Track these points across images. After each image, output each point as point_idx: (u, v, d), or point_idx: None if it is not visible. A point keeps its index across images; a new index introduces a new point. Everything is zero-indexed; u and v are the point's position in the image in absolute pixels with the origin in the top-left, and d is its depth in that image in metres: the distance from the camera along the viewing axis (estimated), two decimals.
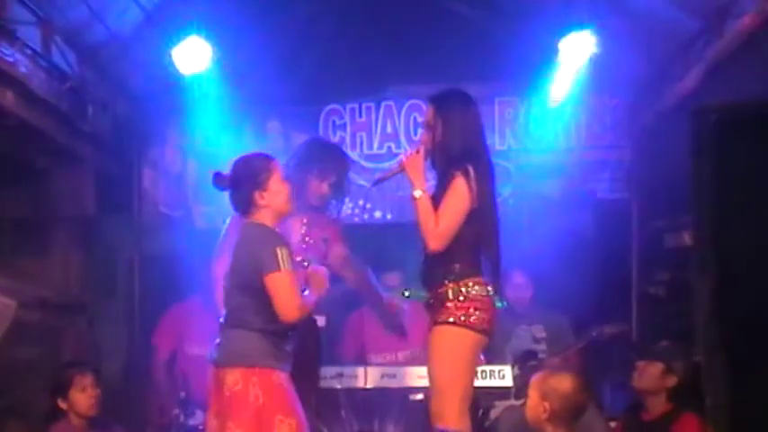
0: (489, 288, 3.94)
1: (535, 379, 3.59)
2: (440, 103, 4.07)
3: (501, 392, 5.37)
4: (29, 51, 5.07)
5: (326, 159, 4.76)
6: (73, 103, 5.68)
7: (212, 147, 6.61)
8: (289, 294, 3.77)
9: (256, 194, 3.90)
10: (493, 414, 5.45)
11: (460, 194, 3.88)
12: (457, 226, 3.89)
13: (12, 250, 5.90)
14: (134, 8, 5.70)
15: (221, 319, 3.97)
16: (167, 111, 6.63)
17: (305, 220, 4.70)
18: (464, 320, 3.85)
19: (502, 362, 5.54)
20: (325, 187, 4.68)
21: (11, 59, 4.89)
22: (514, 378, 5.35)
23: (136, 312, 6.57)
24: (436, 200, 3.98)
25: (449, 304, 3.87)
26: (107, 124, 6.23)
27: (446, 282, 3.90)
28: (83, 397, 4.88)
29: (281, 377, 3.83)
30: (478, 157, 3.98)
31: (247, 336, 3.83)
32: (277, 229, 3.95)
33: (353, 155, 6.72)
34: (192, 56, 5.95)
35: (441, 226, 3.88)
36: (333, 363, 5.38)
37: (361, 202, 6.66)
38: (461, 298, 3.87)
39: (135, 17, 5.79)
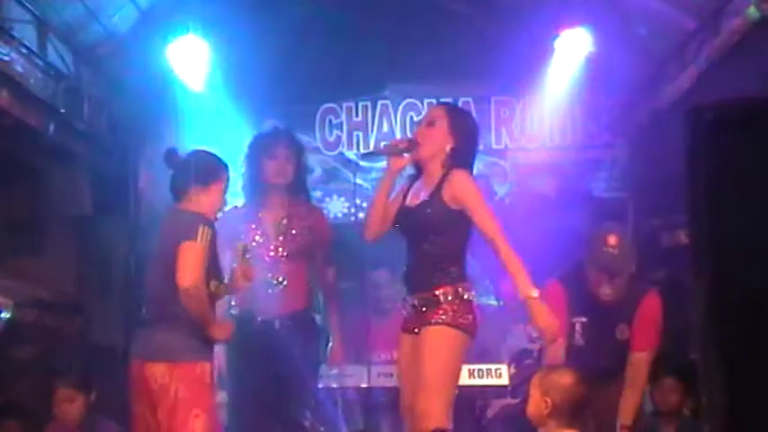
0: (474, 293, 3.98)
1: (536, 377, 3.61)
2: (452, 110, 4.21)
3: (497, 391, 5.38)
4: (24, 50, 5.07)
5: (272, 139, 4.77)
6: (69, 102, 5.67)
7: (209, 146, 6.60)
8: (192, 264, 3.72)
9: (194, 187, 3.95)
10: (489, 413, 5.46)
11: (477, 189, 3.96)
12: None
13: (7, 250, 5.89)
14: (130, 7, 5.70)
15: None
16: (164, 110, 6.62)
17: (283, 211, 4.69)
18: (461, 322, 3.87)
19: (498, 360, 5.55)
20: (281, 164, 4.68)
21: (6, 58, 4.89)
22: (510, 377, 5.36)
23: (132, 312, 6.56)
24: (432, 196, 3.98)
25: (446, 306, 3.87)
26: (103, 123, 6.22)
27: (443, 283, 3.90)
28: (71, 407, 4.88)
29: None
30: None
31: (172, 328, 3.82)
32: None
33: (350, 154, 6.73)
34: (189, 54, 5.95)
35: (493, 227, 3.86)
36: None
37: (358, 201, 6.66)
38: (458, 300, 3.88)
39: (131, 16, 5.79)
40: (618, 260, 4.40)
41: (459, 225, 3.92)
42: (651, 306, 4.52)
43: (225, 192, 4.05)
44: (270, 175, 4.68)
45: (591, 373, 3.77)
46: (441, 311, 3.87)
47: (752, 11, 5.05)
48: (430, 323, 3.90)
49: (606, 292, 4.42)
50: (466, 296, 3.91)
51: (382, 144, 4.23)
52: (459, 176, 3.92)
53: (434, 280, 3.92)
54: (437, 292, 3.90)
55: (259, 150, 4.74)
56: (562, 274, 4.58)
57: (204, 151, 4.19)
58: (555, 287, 4.47)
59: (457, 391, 4.95)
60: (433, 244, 3.93)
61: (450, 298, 3.88)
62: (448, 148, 3.98)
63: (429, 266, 3.95)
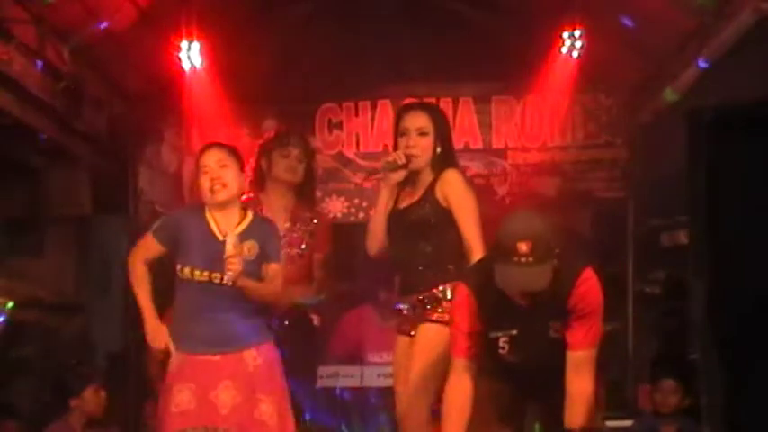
0: None
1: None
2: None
3: None
4: (23, 50, 5.06)
5: (286, 138, 4.77)
6: (68, 101, 5.66)
7: None
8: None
9: None
10: None
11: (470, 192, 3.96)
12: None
13: (7, 250, 5.90)
14: (129, 6, 5.69)
15: None
16: (163, 109, 6.63)
17: (288, 212, 4.69)
18: None
19: None
20: (292, 162, 4.68)
21: (5, 58, 4.89)
22: None
23: (131, 312, 6.55)
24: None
25: (446, 304, 3.85)
26: (102, 123, 6.22)
27: (445, 281, 3.89)
28: (96, 396, 4.92)
29: None
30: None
31: None
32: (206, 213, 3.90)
33: (349, 153, 6.73)
34: (188, 54, 5.95)
35: (474, 235, 3.87)
36: (329, 362, 5.37)
37: (356, 201, 6.66)
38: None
39: (130, 15, 5.78)
40: (532, 274, 3.28)
41: (455, 223, 3.92)
42: (587, 292, 3.40)
43: (204, 174, 3.84)
44: (280, 171, 4.67)
45: (529, 381, 3.47)
46: (441, 309, 3.85)
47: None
48: (429, 321, 3.89)
49: (523, 302, 3.42)
50: None
51: (383, 162, 4.18)
52: (452, 176, 3.95)
53: (436, 278, 3.91)
54: (439, 289, 3.89)
55: (272, 148, 4.74)
56: (471, 276, 3.58)
57: None
58: (461, 294, 3.55)
59: None
60: (431, 242, 3.93)
61: (450, 296, 3.84)
62: (437, 151, 4.01)
63: (429, 265, 3.94)
